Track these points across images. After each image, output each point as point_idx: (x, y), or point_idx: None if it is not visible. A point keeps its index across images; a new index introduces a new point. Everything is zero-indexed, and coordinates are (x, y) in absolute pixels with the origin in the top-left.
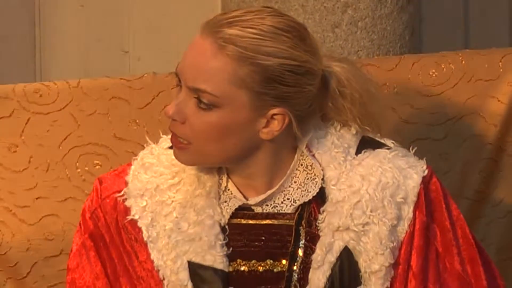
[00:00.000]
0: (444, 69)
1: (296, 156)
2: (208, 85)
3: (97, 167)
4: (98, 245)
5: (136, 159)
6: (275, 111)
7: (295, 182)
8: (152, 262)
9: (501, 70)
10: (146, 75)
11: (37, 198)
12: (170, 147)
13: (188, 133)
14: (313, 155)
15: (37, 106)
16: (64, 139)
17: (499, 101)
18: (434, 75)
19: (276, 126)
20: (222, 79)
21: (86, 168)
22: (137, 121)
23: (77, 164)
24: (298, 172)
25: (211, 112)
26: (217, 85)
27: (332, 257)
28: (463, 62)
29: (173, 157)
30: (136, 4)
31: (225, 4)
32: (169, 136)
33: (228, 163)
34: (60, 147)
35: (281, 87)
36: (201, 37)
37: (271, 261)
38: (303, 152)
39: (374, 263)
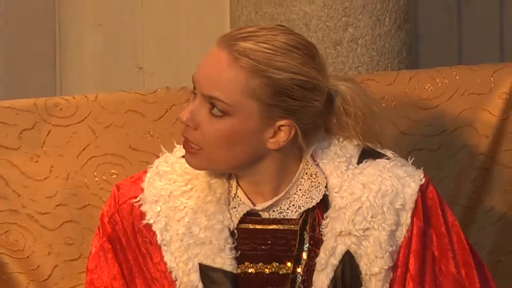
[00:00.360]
0: (439, 84)
1: (301, 165)
2: (222, 94)
3: (114, 176)
4: (116, 247)
5: (152, 167)
6: (282, 122)
7: (300, 189)
8: (166, 264)
9: (492, 84)
10: (159, 89)
11: (57, 205)
12: (183, 156)
13: (199, 139)
14: (317, 164)
15: (57, 119)
16: (83, 150)
17: (490, 113)
18: (429, 89)
19: (282, 136)
20: (235, 88)
21: (104, 177)
22: (151, 132)
23: (95, 173)
24: (303, 180)
25: (222, 120)
26: (230, 94)
27: (335, 260)
28: (457, 77)
29: (186, 165)
30: (150, 23)
31: (233, 23)
32: (183, 143)
33: (236, 170)
34: (79, 157)
35: (289, 100)
36: (218, 49)
37: (277, 263)
38: (308, 161)
39: (374, 266)
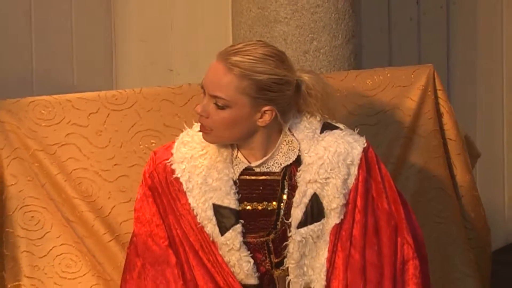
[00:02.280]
0: (376, 79)
1: (281, 135)
2: (222, 93)
3: (153, 144)
4: (154, 194)
5: (178, 138)
6: (266, 108)
7: (281, 152)
8: (189, 204)
9: (413, 79)
10: (184, 85)
11: (114, 165)
12: (200, 131)
13: (210, 124)
14: (293, 134)
15: (114, 105)
16: (131, 126)
17: (411, 100)
18: (369, 83)
19: (267, 118)
20: (231, 89)
21: (146, 145)
22: (178, 114)
23: (140, 143)
24: (283, 146)
25: (224, 111)
26: (227, 93)
27: (306, 199)
28: (388, 74)
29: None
30: (178, 40)
31: (234, 39)
32: (199, 124)
33: (237, 141)
34: (129, 132)
35: (269, 93)
36: (217, 62)
37: (266, 202)
38: (286, 132)
39: (333, 203)
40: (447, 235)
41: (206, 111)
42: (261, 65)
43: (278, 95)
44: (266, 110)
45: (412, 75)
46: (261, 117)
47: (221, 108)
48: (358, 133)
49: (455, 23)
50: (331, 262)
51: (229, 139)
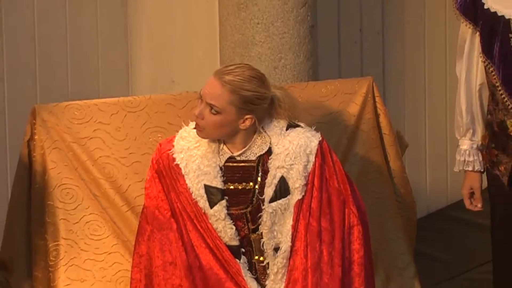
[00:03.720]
0: (329, 88)
1: (256, 133)
2: (216, 103)
3: (159, 138)
4: (160, 176)
5: (178, 133)
6: (247, 116)
7: (256, 144)
8: (186, 185)
9: (356, 88)
10: (183, 92)
11: (130, 153)
12: (195, 128)
13: (204, 124)
14: (265, 131)
15: (130, 108)
16: (143, 124)
17: (356, 104)
18: (324, 91)
19: (247, 123)
20: (222, 100)
21: (154, 139)
22: (179, 115)
23: (149, 136)
24: (258, 140)
25: (216, 116)
26: (220, 103)
27: (275, 181)
28: (338, 84)
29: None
30: (178, 58)
31: (222, 59)
32: (195, 123)
33: (223, 138)
34: (141, 128)
35: (251, 105)
36: (213, 78)
37: (245, 183)
38: (260, 130)
39: (296, 183)
40: (383, 207)
41: (202, 114)
42: (248, 84)
43: (257, 107)
44: (247, 118)
45: (356, 85)
46: (243, 122)
47: (214, 113)
48: (315, 129)
49: (388, 46)
50: (295, 228)
51: (217, 136)
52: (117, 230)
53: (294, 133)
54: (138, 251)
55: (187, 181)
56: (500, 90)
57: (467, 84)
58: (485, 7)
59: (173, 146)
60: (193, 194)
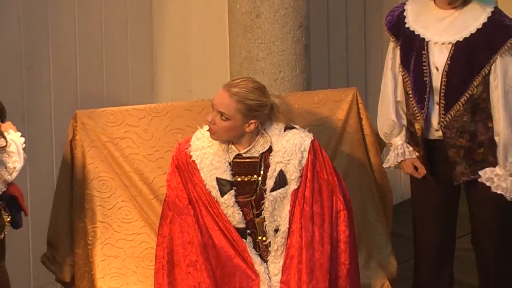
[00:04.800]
0: (320, 97)
1: (259, 134)
2: (225, 111)
3: (179, 138)
4: (179, 170)
5: (194, 134)
6: (251, 121)
7: (258, 143)
8: (201, 177)
9: (343, 97)
10: (199, 100)
11: (155, 151)
12: (208, 131)
13: (216, 129)
14: (266, 132)
15: (155, 113)
16: (166, 126)
17: (342, 109)
18: (316, 99)
19: (252, 127)
20: (231, 109)
21: (175, 139)
22: (195, 119)
23: (171, 137)
24: (260, 139)
25: (225, 121)
26: (229, 111)
27: (275, 174)
28: (328, 94)
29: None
30: (195, 71)
31: (231, 72)
32: (208, 127)
33: (232, 139)
34: (164, 130)
35: (254, 112)
36: (223, 90)
37: (250, 176)
38: (262, 132)
39: (292, 176)
40: (365, 195)
41: (213, 120)
42: (251, 94)
43: (259, 114)
44: (252, 122)
45: (343, 94)
46: (248, 126)
47: (224, 120)
48: (308, 131)
49: (370, 62)
50: (291, 212)
51: (227, 138)
52: (144, 215)
53: (290, 134)
54: (161, 233)
55: (201, 175)
56: (411, 97)
57: (393, 93)
58: (406, 25)
59: (190, 145)
60: (206, 185)
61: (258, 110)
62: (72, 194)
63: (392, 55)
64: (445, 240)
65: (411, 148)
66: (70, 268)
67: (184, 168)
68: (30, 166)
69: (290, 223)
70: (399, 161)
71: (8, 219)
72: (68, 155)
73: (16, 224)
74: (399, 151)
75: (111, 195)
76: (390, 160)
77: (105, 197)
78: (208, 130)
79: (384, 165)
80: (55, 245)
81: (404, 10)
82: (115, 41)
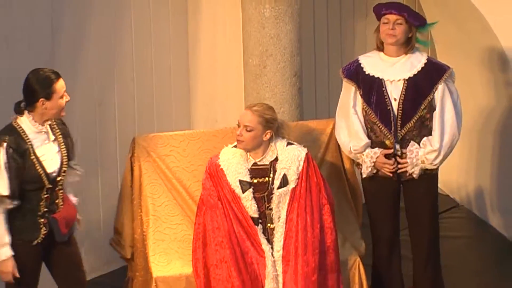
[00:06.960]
0: (310, 125)
1: (269, 147)
2: (249, 123)
3: (208, 155)
4: (211, 176)
5: (221, 152)
6: (268, 131)
7: (269, 154)
8: (228, 180)
9: (326, 125)
10: (222, 128)
11: (191, 165)
12: (234, 146)
13: (243, 139)
14: (275, 146)
15: (191, 138)
16: (199, 147)
17: (325, 134)
18: (308, 126)
19: (268, 136)
20: (254, 122)
21: (206, 156)
22: (219, 142)
23: (202, 155)
24: (270, 151)
25: (250, 132)
26: (252, 123)
27: (280, 176)
28: (315, 123)
29: (233, 149)
30: (220, 106)
31: (246, 98)
32: (233, 144)
33: (254, 149)
34: (198, 150)
35: (270, 124)
36: (246, 110)
37: (263, 178)
38: (272, 144)
39: (292, 177)
40: (342, 193)
41: (241, 133)
42: (267, 111)
43: (273, 125)
44: (268, 132)
45: (326, 123)
46: (265, 136)
47: (249, 131)
48: (304, 146)
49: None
50: (290, 205)
51: (251, 145)
52: (183, 211)
53: (291, 147)
54: (197, 221)
55: (228, 178)
56: (378, 124)
57: (358, 121)
58: (366, 73)
59: (218, 158)
60: (232, 185)
61: (272, 123)
62: (132, 195)
63: (353, 96)
64: (393, 226)
65: (375, 149)
66: (130, 248)
67: (215, 174)
68: (101, 176)
69: (289, 212)
70: (373, 162)
71: (45, 232)
72: (129, 166)
73: (53, 237)
74: (369, 157)
75: (160, 196)
76: (365, 169)
77: (155, 197)
78: (236, 141)
79: (363, 176)
80: (120, 231)
81: (360, 63)
82: (162, 84)
